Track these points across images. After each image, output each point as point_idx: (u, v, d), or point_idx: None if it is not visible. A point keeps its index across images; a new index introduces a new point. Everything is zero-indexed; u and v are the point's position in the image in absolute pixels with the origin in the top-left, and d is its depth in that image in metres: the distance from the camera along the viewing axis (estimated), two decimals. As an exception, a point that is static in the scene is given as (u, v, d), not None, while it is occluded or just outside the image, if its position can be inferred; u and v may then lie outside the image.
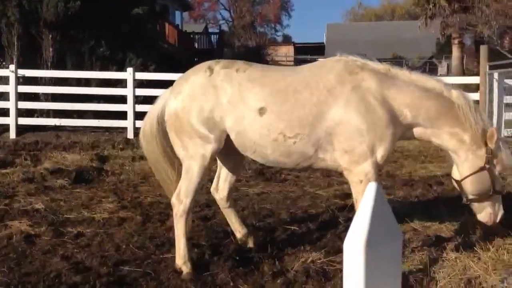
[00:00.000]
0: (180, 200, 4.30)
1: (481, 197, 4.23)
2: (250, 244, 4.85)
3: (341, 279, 3.97)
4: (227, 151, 4.42)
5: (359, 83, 4.15)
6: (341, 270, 4.14)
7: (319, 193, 7.24)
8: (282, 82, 4.22)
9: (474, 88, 13.51)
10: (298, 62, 47.93)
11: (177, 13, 35.99)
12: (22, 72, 13.39)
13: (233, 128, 4.21)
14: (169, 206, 6.15)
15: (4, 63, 15.75)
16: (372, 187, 0.72)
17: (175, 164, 4.56)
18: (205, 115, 4.21)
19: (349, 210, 5.86)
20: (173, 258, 4.39)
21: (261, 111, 4.13)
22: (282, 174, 8.47)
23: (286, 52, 53.51)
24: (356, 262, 0.75)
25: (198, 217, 5.85)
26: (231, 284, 4.00)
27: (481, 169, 4.17)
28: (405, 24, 51.56)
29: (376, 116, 4.09)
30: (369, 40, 48.49)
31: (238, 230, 4.89)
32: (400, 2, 65.90)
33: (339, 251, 4.59)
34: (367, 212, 0.72)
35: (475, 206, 4.33)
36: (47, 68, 14.94)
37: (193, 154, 4.25)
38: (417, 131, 4.30)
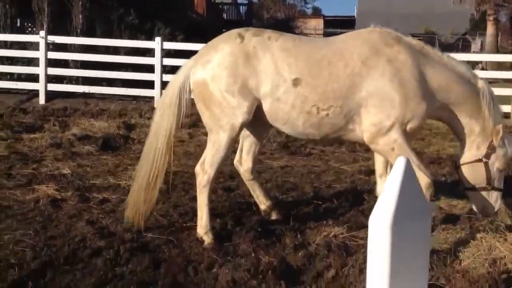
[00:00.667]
0: (204, 170, 4.28)
1: (476, 189, 4.41)
2: (274, 216, 4.85)
3: (363, 254, 3.97)
4: (253, 122, 4.37)
5: (395, 55, 4.12)
6: (363, 246, 4.14)
7: (344, 168, 7.19)
8: (317, 53, 4.17)
9: (508, 66, 13.18)
10: (327, 35, 47.20)
11: (207, -17, 35.68)
12: (52, 38, 13.49)
13: (267, 98, 4.15)
14: (193, 176, 6.20)
15: (34, 29, 15.91)
16: (401, 161, 0.68)
17: (170, 150, 4.39)
18: (238, 83, 4.11)
19: (374, 186, 5.80)
20: (196, 227, 4.42)
21: (296, 82, 4.09)
22: (307, 148, 8.41)
23: (315, 25, 52.70)
24: (381, 238, 0.71)
25: (221, 187, 5.86)
26: (253, 254, 4.01)
27: (478, 160, 4.35)
28: (439, -1, 50.21)
29: (411, 90, 4.07)
30: (401, 13, 47.37)
31: (263, 202, 4.88)
32: (435, -24, 64.03)
33: (362, 226, 4.56)
34: (395, 187, 0.69)
35: (470, 195, 4.51)
36: (77, 35, 15.03)
37: (223, 125, 4.17)
38: (442, 112, 4.36)
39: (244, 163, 4.82)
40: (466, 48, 40.99)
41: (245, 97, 4.13)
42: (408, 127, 4.14)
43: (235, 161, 4.89)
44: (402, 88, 4.05)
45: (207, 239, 4.25)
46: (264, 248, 4.15)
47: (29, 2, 15.29)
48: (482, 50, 36.75)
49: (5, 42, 14.55)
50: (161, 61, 13.21)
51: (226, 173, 6.36)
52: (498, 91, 12.62)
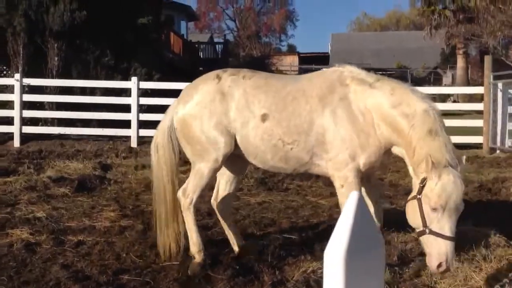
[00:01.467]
0: (186, 194, 4.47)
1: (417, 232, 3.85)
2: (250, 255, 4.83)
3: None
4: (232, 158, 4.54)
5: (347, 94, 4.20)
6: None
7: (321, 202, 7.22)
8: (284, 90, 4.36)
9: (479, 98, 13.52)
10: (302, 71, 47.95)
11: (183, 23, 36.20)
12: (27, 81, 13.49)
13: (239, 132, 4.35)
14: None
15: (9, 72, 15.87)
16: (354, 196, 0.71)
17: (176, 185, 4.61)
18: (215, 120, 4.34)
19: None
20: (173, 266, 4.39)
21: (264, 117, 4.29)
22: (284, 183, 8.44)
23: (290, 62, 53.61)
24: (336, 270, 0.73)
25: (198, 225, 5.82)
26: (231, 293, 3.98)
27: (413, 197, 3.82)
28: (410, 34, 51.60)
29: (358, 125, 4.13)
30: (374, 49, 48.56)
31: (237, 243, 4.90)
32: (405, 12, 66.01)
33: (340, 261, 4.56)
34: (348, 221, 0.71)
35: (421, 241, 3.87)
36: (53, 77, 15.01)
37: (205, 158, 4.39)
38: (395, 149, 4.17)
39: (220, 202, 4.88)
40: (437, 81, 42.00)
41: (222, 132, 4.35)
42: (362, 163, 4.13)
43: (212, 200, 4.94)
44: (351, 124, 4.12)
45: (198, 258, 4.44)
46: (242, 286, 4.13)
47: (4, 45, 15.28)
48: (453, 83, 37.69)
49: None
50: (138, 101, 13.25)
51: (203, 211, 6.34)
52: (469, 122, 12.96)
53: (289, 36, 74.77)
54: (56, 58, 15.27)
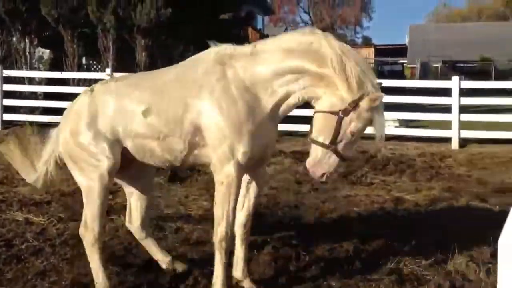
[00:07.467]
0: (88, 228, 4.09)
1: (318, 141, 3.70)
2: (179, 268, 4.52)
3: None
4: (130, 174, 4.39)
5: (225, 73, 3.86)
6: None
7: (407, 197, 7.21)
8: (159, 80, 4.09)
9: None
10: (379, 64, 47.12)
11: (259, 17, 36.46)
12: (118, 75, 14.14)
13: (126, 137, 4.05)
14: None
15: (100, 66, 16.78)
16: None
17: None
18: (93, 131, 4.04)
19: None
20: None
21: (145, 113, 3.97)
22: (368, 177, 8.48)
23: (366, 54, 52.65)
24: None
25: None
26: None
27: (332, 112, 3.66)
28: (493, 25, 49.22)
29: (236, 109, 3.76)
30: (453, 40, 46.70)
31: (161, 259, 4.56)
32: (487, 3, 62.86)
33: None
34: None
35: (311, 148, 3.77)
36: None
37: (91, 175, 4.04)
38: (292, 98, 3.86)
39: (133, 221, 4.57)
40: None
41: (104, 142, 4.02)
42: (240, 157, 3.77)
43: (126, 222, 4.66)
44: (228, 109, 3.76)
45: None
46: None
47: (94, 41, 16.17)
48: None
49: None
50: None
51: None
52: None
53: (364, 28, 73.38)
54: (143, 54, 15.99)
